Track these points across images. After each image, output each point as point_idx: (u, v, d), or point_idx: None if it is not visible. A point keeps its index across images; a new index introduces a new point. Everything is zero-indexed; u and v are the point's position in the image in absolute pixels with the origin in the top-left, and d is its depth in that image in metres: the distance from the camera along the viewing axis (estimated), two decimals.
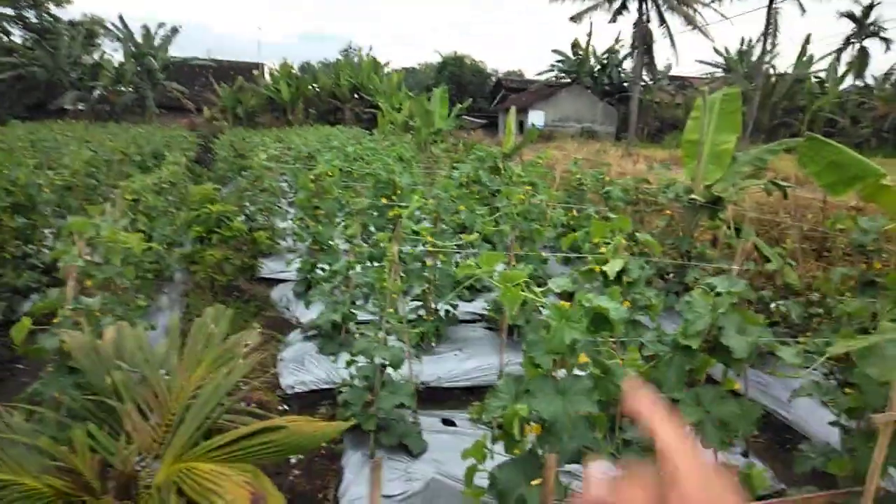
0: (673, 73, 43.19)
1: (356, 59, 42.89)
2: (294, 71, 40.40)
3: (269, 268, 7.71)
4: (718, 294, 2.60)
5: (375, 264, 5.01)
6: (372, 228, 6.34)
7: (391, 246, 3.88)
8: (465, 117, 30.12)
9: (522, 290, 2.39)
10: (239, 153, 17.80)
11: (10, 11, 39.57)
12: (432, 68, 57.59)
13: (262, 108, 39.97)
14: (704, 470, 0.51)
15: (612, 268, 3.62)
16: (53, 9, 40.06)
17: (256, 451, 2.14)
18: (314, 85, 39.63)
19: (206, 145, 21.93)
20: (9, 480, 2.17)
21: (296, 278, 6.94)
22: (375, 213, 6.40)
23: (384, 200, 6.61)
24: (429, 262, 5.45)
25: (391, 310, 3.87)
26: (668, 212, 7.05)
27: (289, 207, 10.48)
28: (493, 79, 53.68)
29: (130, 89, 38.22)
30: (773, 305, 5.32)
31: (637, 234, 4.14)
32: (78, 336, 2.74)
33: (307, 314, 6.03)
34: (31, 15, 39.97)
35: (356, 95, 39.50)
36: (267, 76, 44.76)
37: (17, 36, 40.07)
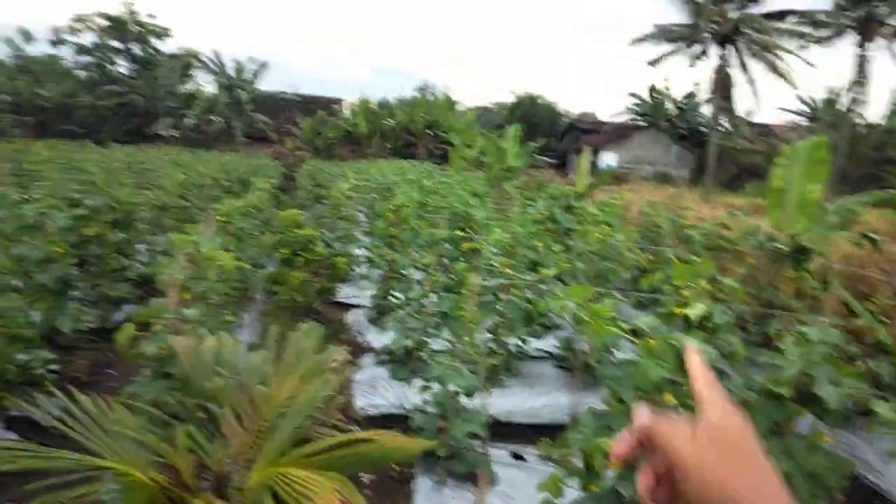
0: (753, 119, 42.10)
1: (431, 97, 44.11)
2: (372, 106, 41.91)
3: (343, 292, 7.97)
4: (810, 342, 2.55)
5: (450, 294, 5.12)
6: (446, 260, 6.48)
7: (470, 276, 3.97)
8: (537, 156, 30.28)
9: (608, 325, 2.42)
10: (317, 183, 18.54)
11: (118, 44, 43.08)
12: (505, 107, 58.37)
13: (340, 140, 41.52)
14: (727, 406, 0.65)
15: (695, 312, 3.58)
16: (155, 42, 43.36)
17: (346, 461, 2.24)
18: (390, 120, 40.93)
19: (289, 174, 22.95)
20: (121, 471, 2.35)
21: (370, 304, 7.15)
22: (450, 245, 6.54)
23: (458, 233, 6.75)
24: (502, 295, 5.51)
25: (467, 338, 3.95)
26: (749, 259, 6.87)
27: (362, 236, 10.81)
28: (565, 119, 53.83)
29: (220, 119, 40.57)
30: (863, 363, 5.07)
31: (720, 279, 4.08)
32: (184, 341, 2.95)
33: (379, 339, 6.18)
34: (135, 47, 43.35)
35: (429, 131, 40.48)
36: (346, 110, 46.59)
37: (122, 66, 43.51)
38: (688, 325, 3.67)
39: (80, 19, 42.48)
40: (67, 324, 5.86)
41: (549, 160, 41.15)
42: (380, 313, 6.70)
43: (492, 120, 54.09)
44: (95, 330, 6.44)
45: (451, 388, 3.82)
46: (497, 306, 5.44)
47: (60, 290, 6.01)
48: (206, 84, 42.90)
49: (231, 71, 41.07)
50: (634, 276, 7.83)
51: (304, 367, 2.75)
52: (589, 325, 2.40)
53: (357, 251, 9.60)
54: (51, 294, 5.91)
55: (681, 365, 2.36)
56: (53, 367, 5.18)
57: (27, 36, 43.57)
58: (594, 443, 2.33)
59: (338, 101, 49.36)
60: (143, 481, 2.41)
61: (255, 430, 2.58)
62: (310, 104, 46.86)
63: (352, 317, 7.32)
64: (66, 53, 43.00)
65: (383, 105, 43.37)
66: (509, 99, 56.24)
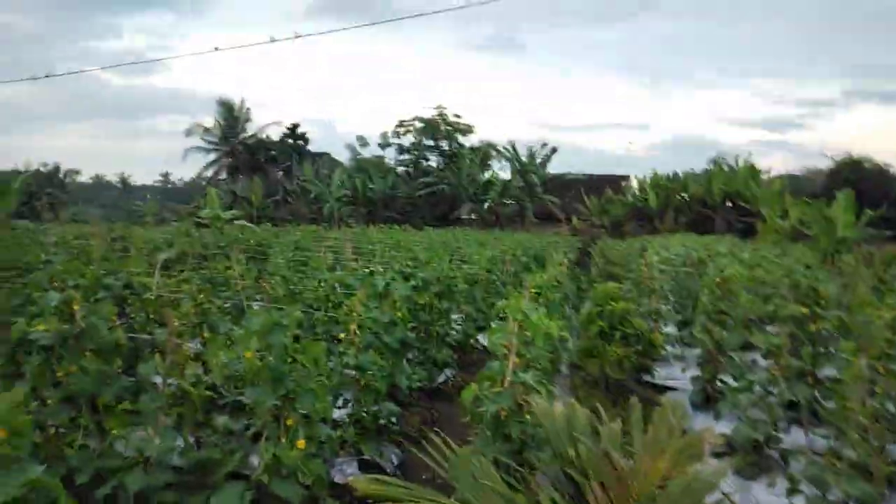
0: None
1: (726, 167, 41.19)
2: (662, 180, 40.72)
3: (658, 373, 7.42)
4: None
5: (801, 379, 4.32)
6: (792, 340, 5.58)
7: (858, 361, 3.26)
8: (869, 228, 25.71)
9: None
10: (609, 260, 18.31)
11: (430, 142, 49.76)
12: (819, 173, 51.47)
13: (627, 216, 40.96)
14: None
15: None
16: (460, 137, 49.02)
17: None
18: (683, 194, 39.13)
19: (584, 250, 23.21)
20: None
21: (690, 386, 6.50)
22: (796, 324, 5.64)
23: (804, 310, 5.80)
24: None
25: (856, 436, 3.20)
26: None
27: (671, 313, 10.11)
28: None
29: (513, 201, 43.50)
30: None
31: None
32: (543, 404, 2.91)
33: (702, 424, 5.51)
34: (444, 144, 49.50)
35: (728, 203, 37.54)
36: (634, 185, 46.10)
37: (433, 160, 49.97)
38: None
39: (401, 124, 50.36)
40: (405, 381, 6.45)
41: (885, 232, 34.58)
42: (705, 398, 6.02)
43: (802, 188, 48.05)
44: (422, 389, 6.99)
45: (837, 495, 3.10)
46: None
47: (400, 351, 6.69)
48: (500, 171, 46.72)
49: (524, 157, 44.05)
50: None
51: (674, 446, 2.46)
52: None
53: (666, 329, 8.98)
54: (393, 354, 6.61)
55: None
56: (394, 419, 5.70)
57: (362, 142, 52.98)
58: None
59: (626, 178, 49.17)
60: None
61: None
62: (596, 182, 47.49)
63: (667, 399, 6.73)
64: (390, 153, 51.18)
65: (674, 178, 41.80)
66: (823, 164, 49.48)
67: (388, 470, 5.03)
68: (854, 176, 45.23)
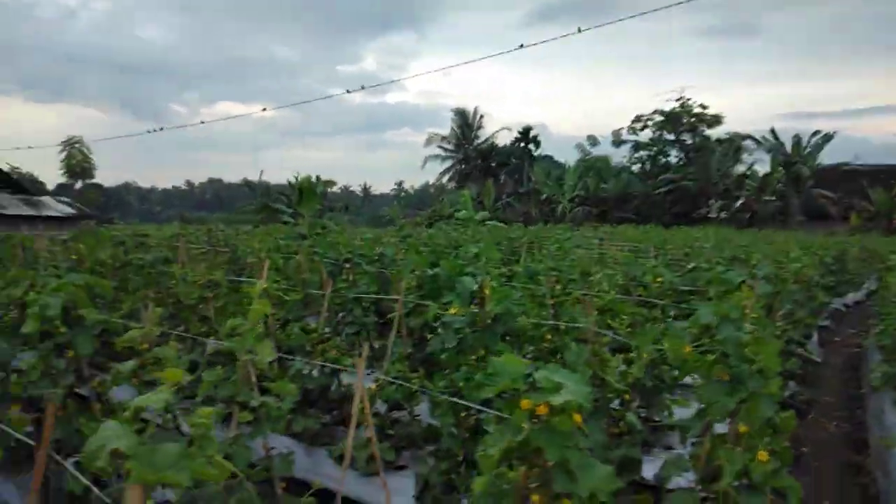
0: None
1: None
2: None
3: None
4: None
5: None
6: None
7: None
8: None
9: None
10: None
11: (671, 137, 46.18)
12: None
13: None
14: None
15: None
16: (707, 130, 44.70)
17: None
18: None
19: None
20: None
21: None
22: None
23: None
24: None
25: None
26: None
27: None
28: None
29: (774, 198, 38.33)
30: None
31: None
32: None
33: None
34: (687, 137, 45.58)
35: None
36: None
37: (674, 156, 46.30)
38: None
39: (638, 119, 47.53)
40: None
41: None
42: None
43: None
44: None
45: None
46: None
47: None
48: (757, 165, 41.53)
49: (788, 147, 38.55)
50: None
51: None
52: None
53: None
54: None
55: None
56: None
57: (593, 141, 51.20)
58: None
59: None
60: None
61: None
62: (881, 173, 39.91)
63: None
64: (624, 151, 48.59)
65: None
66: None
67: None
68: None
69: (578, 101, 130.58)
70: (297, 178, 22.05)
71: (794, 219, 37.13)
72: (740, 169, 41.56)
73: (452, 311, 3.23)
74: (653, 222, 36.92)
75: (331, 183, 18.80)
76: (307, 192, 15.96)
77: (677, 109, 44.99)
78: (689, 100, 44.59)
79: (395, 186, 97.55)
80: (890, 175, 38.92)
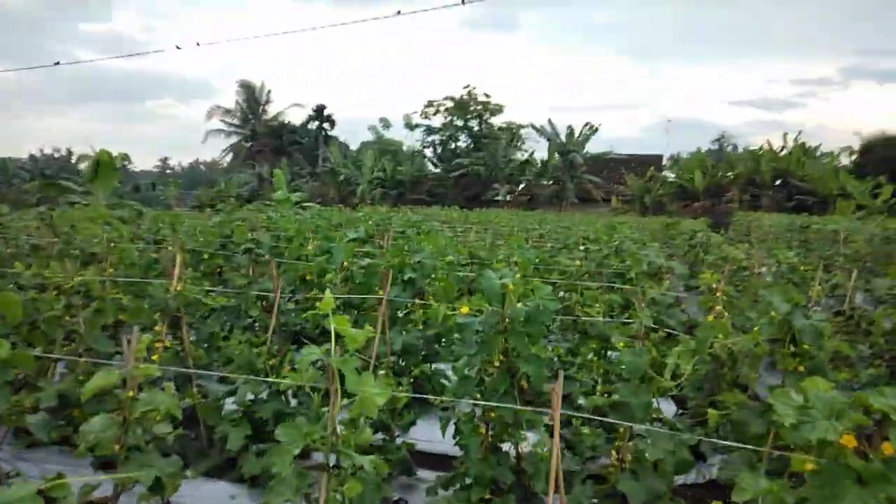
0: None
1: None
2: (705, 161, 39.94)
3: None
4: None
5: None
6: None
7: None
8: None
9: None
10: None
11: (460, 123, 48.62)
12: (848, 150, 50.83)
13: (670, 196, 40.19)
14: None
15: None
16: (490, 118, 47.95)
17: None
18: (730, 173, 38.36)
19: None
20: None
21: None
22: None
23: None
24: None
25: None
26: None
27: None
28: None
29: (552, 182, 42.58)
30: None
31: None
32: None
33: None
34: (474, 124, 48.42)
35: (777, 182, 36.82)
36: (665, 164, 45.28)
37: (462, 142, 48.91)
38: None
39: (430, 104, 49.16)
40: None
41: None
42: None
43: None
44: None
45: None
46: None
47: None
48: (538, 152, 45.67)
49: (563, 137, 43.01)
50: None
51: None
52: None
53: None
54: None
55: None
56: None
57: (385, 123, 51.76)
58: None
59: (658, 158, 48.41)
60: None
61: None
62: (630, 163, 46.68)
63: None
64: (417, 135, 50.02)
65: (721, 157, 40.96)
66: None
67: None
68: (890, 153, 44.52)
69: (368, 86, 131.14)
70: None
71: (568, 201, 41.72)
72: (523, 156, 45.42)
73: (464, 310, 2.93)
74: (447, 204, 38.64)
75: (127, 157, 16.15)
76: (104, 168, 13.57)
77: (465, 97, 47.47)
78: (474, 88, 47.32)
79: (160, 162, 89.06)
80: (640, 163, 45.72)
